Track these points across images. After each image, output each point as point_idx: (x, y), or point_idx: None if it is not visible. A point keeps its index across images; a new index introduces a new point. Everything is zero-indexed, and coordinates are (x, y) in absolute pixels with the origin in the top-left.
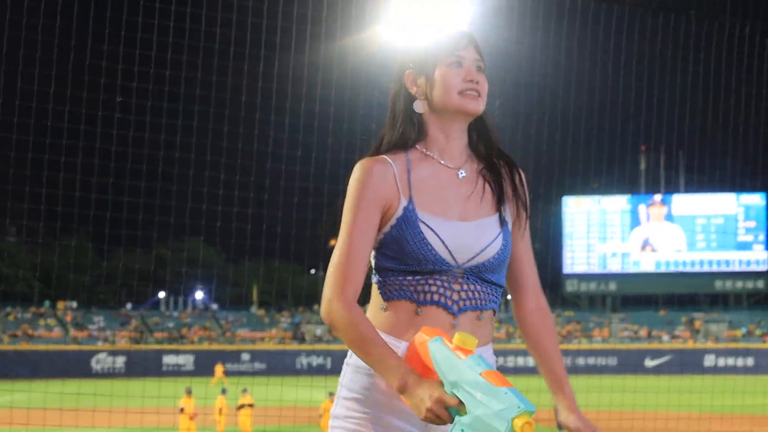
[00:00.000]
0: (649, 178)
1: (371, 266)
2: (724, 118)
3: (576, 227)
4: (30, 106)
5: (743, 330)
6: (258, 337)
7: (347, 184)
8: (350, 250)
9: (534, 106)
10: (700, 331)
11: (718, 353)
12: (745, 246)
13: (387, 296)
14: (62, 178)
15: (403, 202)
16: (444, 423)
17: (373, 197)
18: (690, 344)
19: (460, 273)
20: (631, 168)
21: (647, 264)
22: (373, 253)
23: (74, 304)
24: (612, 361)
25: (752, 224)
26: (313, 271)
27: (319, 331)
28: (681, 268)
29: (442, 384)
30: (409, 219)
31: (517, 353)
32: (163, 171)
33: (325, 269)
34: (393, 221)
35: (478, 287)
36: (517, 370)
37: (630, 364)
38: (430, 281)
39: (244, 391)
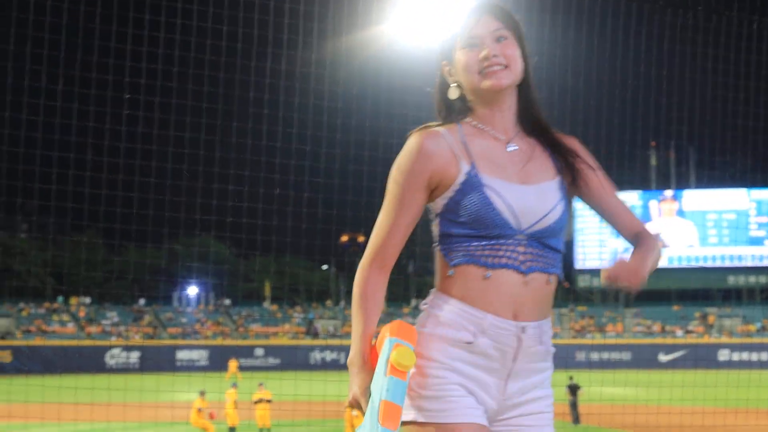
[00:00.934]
0: (660, 174)
1: (434, 234)
2: (734, 113)
3: (588, 223)
4: (37, 103)
5: (757, 325)
6: (271, 333)
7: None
8: (387, 222)
9: (543, 103)
10: (714, 326)
11: (733, 348)
12: (758, 241)
13: (454, 262)
14: (71, 175)
15: (465, 168)
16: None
17: (419, 173)
18: (704, 339)
19: (524, 238)
20: (642, 164)
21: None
22: (436, 220)
23: (87, 300)
24: (626, 356)
25: (764, 219)
26: (325, 267)
27: (332, 326)
28: (693, 264)
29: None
30: (473, 183)
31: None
32: (173, 168)
33: (336, 265)
34: (456, 186)
35: (542, 251)
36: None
37: (644, 359)
38: (497, 246)
39: (261, 385)
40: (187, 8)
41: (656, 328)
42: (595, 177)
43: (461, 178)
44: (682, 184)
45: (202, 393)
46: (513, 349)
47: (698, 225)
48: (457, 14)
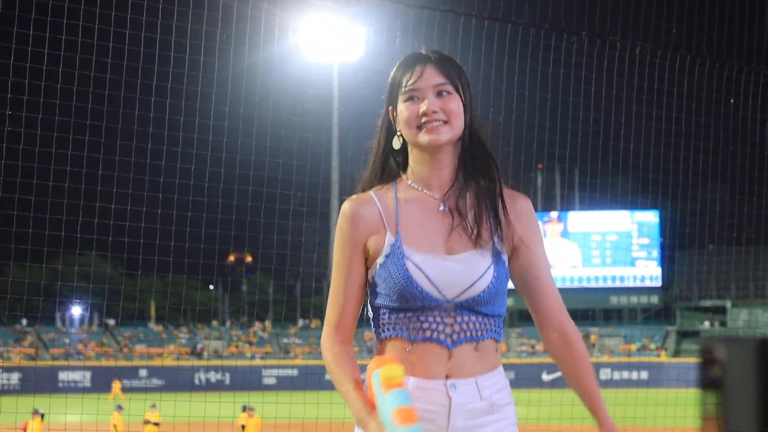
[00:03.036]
0: (545, 195)
1: (368, 307)
2: (616, 136)
3: None
4: None
5: (638, 344)
6: (156, 353)
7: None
8: (337, 291)
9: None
10: (596, 346)
11: (613, 367)
12: (639, 262)
13: (381, 334)
14: None
15: (390, 239)
16: None
17: (353, 237)
18: None
19: (452, 307)
20: (528, 185)
21: None
22: (368, 292)
23: None
24: (509, 375)
25: (646, 241)
26: (211, 287)
27: (217, 346)
28: (577, 284)
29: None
30: (395, 256)
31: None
32: (54, 186)
33: (223, 284)
34: (381, 259)
35: (473, 319)
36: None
37: (527, 378)
38: (422, 317)
39: (153, 406)
40: (71, 24)
41: (539, 347)
42: (529, 253)
43: (386, 249)
44: (566, 205)
45: (119, 407)
46: (444, 407)
47: (582, 246)
48: (403, 61)
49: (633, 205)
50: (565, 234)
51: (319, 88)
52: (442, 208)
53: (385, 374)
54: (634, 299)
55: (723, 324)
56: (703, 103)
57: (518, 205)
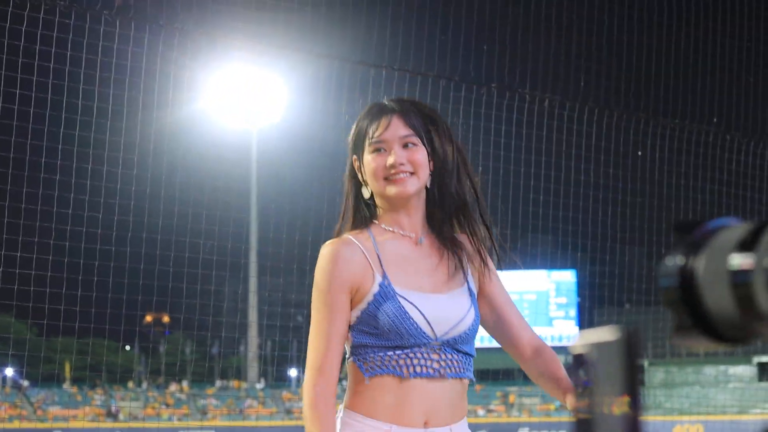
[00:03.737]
0: None
1: (346, 347)
2: (535, 196)
3: None
4: None
5: (556, 404)
6: (71, 415)
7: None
8: (321, 334)
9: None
10: (515, 405)
11: (532, 426)
12: (557, 321)
13: (369, 373)
14: None
15: (378, 278)
16: None
17: (341, 282)
18: (504, 418)
19: (438, 345)
20: None
21: None
22: (349, 333)
23: None
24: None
25: (563, 300)
26: (128, 347)
27: (134, 408)
28: (495, 344)
29: None
30: (387, 294)
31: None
32: None
33: (140, 347)
34: (370, 297)
35: (455, 357)
36: None
37: None
38: (411, 354)
39: None
40: None
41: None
42: (491, 283)
43: (375, 288)
44: None
45: None
46: None
47: None
48: (368, 112)
49: (550, 264)
50: None
51: (237, 151)
52: (422, 240)
53: None
54: None
55: (641, 383)
56: (611, 155)
57: (474, 240)
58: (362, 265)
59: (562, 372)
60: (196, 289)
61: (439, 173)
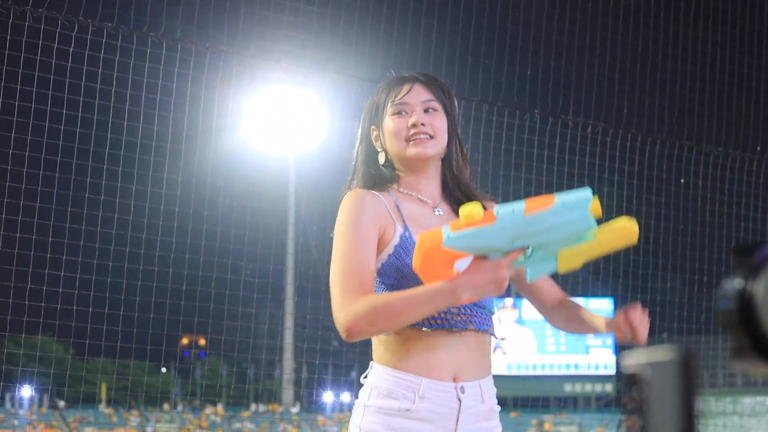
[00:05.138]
0: None
1: None
2: None
3: None
4: None
5: None
6: None
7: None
8: (350, 261)
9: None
10: None
11: None
12: (593, 350)
13: None
14: None
15: (399, 230)
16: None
17: (370, 218)
18: None
19: None
20: None
21: (499, 367)
22: None
23: None
24: None
25: None
26: (164, 369)
27: (169, 430)
28: (531, 371)
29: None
30: (407, 246)
31: None
32: (16, 270)
33: (175, 369)
34: (391, 249)
35: (476, 310)
36: None
37: None
38: None
39: None
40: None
41: None
42: None
43: (396, 240)
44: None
45: None
46: (453, 410)
47: (537, 333)
48: (388, 82)
49: (588, 292)
50: (519, 321)
51: (277, 173)
52: (438, 212)
53: (467, 214)
54: (588, 387)
55: (698, 407)
56: (654, 182)
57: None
58: (385, 215)
59: (588, 313)
60: (236, 312)
61: (456, 150)
